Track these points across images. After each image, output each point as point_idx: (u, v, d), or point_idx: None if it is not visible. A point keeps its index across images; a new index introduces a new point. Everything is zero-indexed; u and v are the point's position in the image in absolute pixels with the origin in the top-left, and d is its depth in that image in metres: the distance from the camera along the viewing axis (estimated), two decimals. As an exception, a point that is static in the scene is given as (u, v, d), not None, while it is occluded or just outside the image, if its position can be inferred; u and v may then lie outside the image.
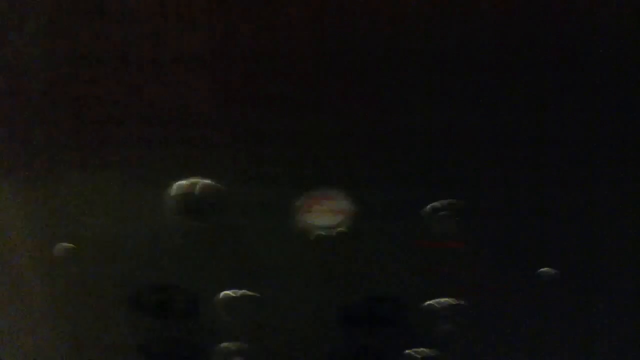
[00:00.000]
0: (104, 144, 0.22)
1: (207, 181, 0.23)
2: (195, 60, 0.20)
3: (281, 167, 0.23)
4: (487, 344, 0.31)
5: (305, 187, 0.24)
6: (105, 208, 0.24)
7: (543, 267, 0.28)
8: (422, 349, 0.33)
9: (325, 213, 0.25)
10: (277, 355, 0.31)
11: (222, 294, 0.28)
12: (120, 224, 0.25)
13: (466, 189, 0.25)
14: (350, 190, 0.24)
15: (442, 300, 0.29)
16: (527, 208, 0.26)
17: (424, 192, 0.25)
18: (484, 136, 0.23)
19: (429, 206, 0.25)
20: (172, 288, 0.28)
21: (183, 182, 0.23)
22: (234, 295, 0.28)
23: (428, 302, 0.29)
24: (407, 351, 0.32)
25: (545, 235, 0.27)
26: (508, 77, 0.21)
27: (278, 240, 0.26)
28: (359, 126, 0.23)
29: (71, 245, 0.25)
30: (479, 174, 0.24)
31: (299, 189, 0.24)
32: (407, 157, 0.24)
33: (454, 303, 0.29)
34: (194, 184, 0.23)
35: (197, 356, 0.32)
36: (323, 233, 0.25)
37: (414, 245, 0.26)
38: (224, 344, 0.31)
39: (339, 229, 0.25)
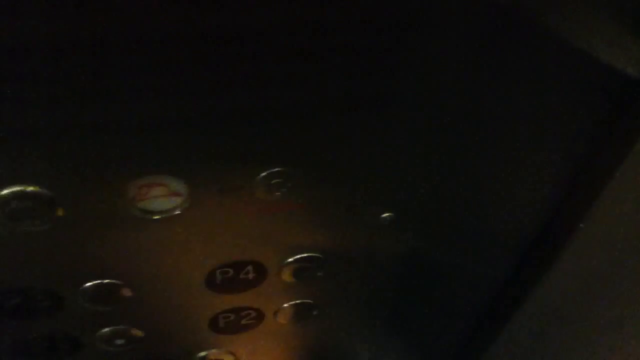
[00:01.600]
0: None
1: (31, 188, 0.23)
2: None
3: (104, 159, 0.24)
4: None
5: (135, 175, 0.25)
6: None
7: (384, 213, 0.30)
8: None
9: (159, 198, 0.26)
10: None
11: (85, 285, 0.29)
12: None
13: (291, 156, 0.26)
14: (180, 173, 0.25)
15: (301, 255, 0.31)
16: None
17: (253, 165, 0.26)
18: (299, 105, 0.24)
19: (259, 176, 0.26)
20: (29, 289, 0.28)
21: (3, 192, 0.23)
22: (97, 283, 0.29)
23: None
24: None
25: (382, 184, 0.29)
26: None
27: (123, 229, 0.27)
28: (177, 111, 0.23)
29: None
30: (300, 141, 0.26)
31: (129, 178, 0.25)
32: (230, 135, 0.24)
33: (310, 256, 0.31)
34: (13, 193, 0.23)
35: (80, 346, 0.33)
36: (160, 217, 0.26)
37: (255, 214, 0.28)
38: (103, 330, 0.32)
39: (176, 212, 0.26)
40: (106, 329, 0.32)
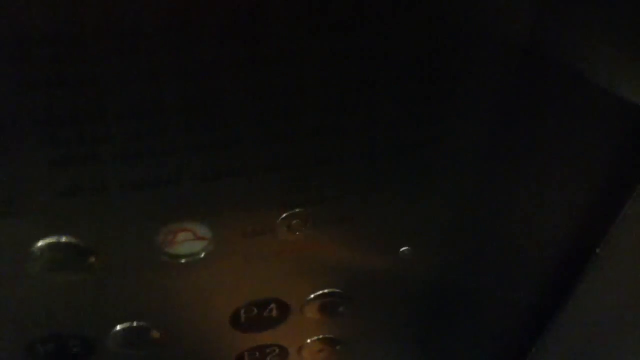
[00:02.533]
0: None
1: (65, 239, 0.25)
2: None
3: (134, 208, 0.25)
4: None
5: (162, 222, 0.26)
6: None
7: (403, 247, 0.31)
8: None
9: (185, 242, 0.27)
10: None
11: (115, 329, 0.30)
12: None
13: (310, 198, 0.27)
14: (205, 218, 0.26)
15: (322, 291, 0.32)
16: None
17: (273, 207, 0.27)
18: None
19: (280, 218, 0.27)
20: (62, 335, 0.29)
21: (39, 243, 0.24)
22: (126, 327, 0.30)
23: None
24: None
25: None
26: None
27: (151, 274, 0.28)
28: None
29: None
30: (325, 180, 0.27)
31: (157, 225, 0.26)
32: (251, 181, 0.26)
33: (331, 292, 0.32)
34: (48, 245, 0.24)
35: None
36: (186, 260, 0.27)
37: (276, 254, 0.29)
38: (133, 373, 0.33)
39: (201, 255, 0.27)
40: (135, 372, 0.33)
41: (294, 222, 0.27)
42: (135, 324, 0.30)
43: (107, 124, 0.22)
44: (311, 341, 0.35)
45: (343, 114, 0.24)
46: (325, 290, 0.32)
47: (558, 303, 0.37)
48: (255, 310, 0.31)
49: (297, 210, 0.27)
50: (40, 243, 0.24)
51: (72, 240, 0.25)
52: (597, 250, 0.34)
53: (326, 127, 0.24)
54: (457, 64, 0.24)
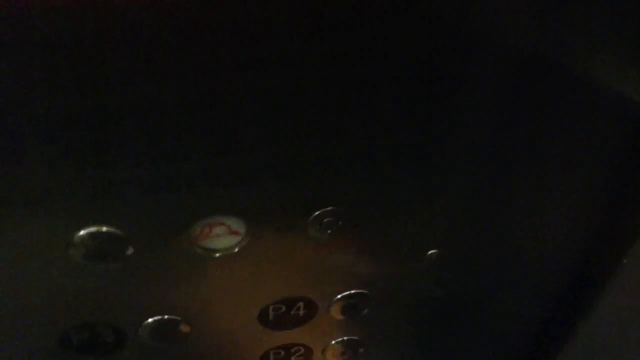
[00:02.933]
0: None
1: (105, 229, 0.25)
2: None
3: (172, 201, 0.26)
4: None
5: (199, 216, 0.27)
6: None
7: (430, 250, 0.32)
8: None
9: (220, 237, 0.27)
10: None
11: (147, 321, 0.31)
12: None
13: (342, 196, 0.27)
14: (240, 213, 0.27)
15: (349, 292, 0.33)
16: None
17: (306, 205, 0.27)
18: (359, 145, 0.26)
19: (313, 215, 0.28)
20: (96, 325, 0.30)
21: (81, 232, 0.25)
22: (158, 319, 0.31)
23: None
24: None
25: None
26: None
27: (185, 267, 0.28)
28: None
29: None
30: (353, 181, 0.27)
31: (193, 218, 0.27)
32: (286, 178, 0.26)
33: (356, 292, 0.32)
34: (90, 234, 0.25)
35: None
36: (220, 255, 0.28)
37: (307, 252, 0.29)
38: (160, 366, 0.34)
39: (234, 250, 0.28)
40: (163, 366, 0.34)
41: (326, 220, 0.28)
42: (166, 317, 0.30)
43: (144, 120, 0.23)
44: (335, 342, 0.36)
45: (372, 116, 0.25)
46: (352, 291, 0.32)
47: (583, 312, 0.37)
48: (284, 308, 0.32)
49: (329, 208, 0.27)
50: (82, 232, 0.25)
51: (113, 230, 0.26)
52: (624, 261, 0.34)
53: (358, 127, 0.25)
54: (471, 67, 0.25)
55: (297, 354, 0.35)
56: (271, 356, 0.35)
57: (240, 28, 0.21)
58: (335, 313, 0.33)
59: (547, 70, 0.26)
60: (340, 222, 0.28)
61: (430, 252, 0.31)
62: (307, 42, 0.22)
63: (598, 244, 0.34)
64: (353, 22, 0.22)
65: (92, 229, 0.25)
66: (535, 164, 0.30)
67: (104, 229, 0.25)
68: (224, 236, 0.27)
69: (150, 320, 0.30)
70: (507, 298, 0.37)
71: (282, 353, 0.35)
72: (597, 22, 0.25)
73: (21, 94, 0.21)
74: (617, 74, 0.27)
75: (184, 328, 0.31)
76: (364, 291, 0.33)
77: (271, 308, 0.32)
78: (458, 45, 0.24)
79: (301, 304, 0.32)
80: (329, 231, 0.28)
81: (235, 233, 0.28)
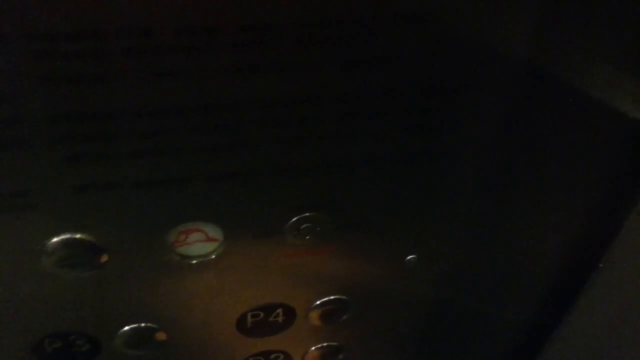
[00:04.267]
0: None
1: (79, 236, 0.25)
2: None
3: (147, 208, 0.25)
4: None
5: (174, 222, 0.26)
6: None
7: (409, 255, 0.32)
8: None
9: (197, 243, 0.27)
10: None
11: (123, 329, 0.30)
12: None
13: (320, 202, 0.27)
14: (217, 219, 0.27)
15: (328, 298, 0.32)
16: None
17: (284, 211, 0.27)
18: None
19: (290, 221, 0.27)
20: (69, 334, 0.29)
21: (53, 239, 0.25)
22: (134, 327, 0.30)
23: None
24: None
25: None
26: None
27: (161, 274, 0.28)
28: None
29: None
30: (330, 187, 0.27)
31: (169, 225, 0.26)
32: (263, 184, 0.26)
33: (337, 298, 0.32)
34: (63, 241, 0.25)
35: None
36: (197, 262, 0.27)
37: (285, 259, 0.29)
38: (137, 375, 0.33)
39: (212, 256, 0.27)
40: (140, 374, 0.33)
41: (304, 226, 0.28)
42: (143, 324, 0.30)
43: (121, 123, 0.22)
44: (315, 349, 0.35)
45: (353, 122, 0.25)
46: (332, 297, 0.32)
47: (560, 314, 0.37)
48: (262, 315, 0.32)
49: (306, 214, 0.27)
50: (54, 239, 0.25)
51: (86, 237, 0.25)
52: (600, 265, 0.35)
53: (336, 134, 0.25)
54: (461, 78, 0.25)
55: (277, 361, 0.35)
56: (250, 363, 0.35)
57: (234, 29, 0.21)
58: (315, 319, 0.33)
59: (545, 80, 0.26)
60: (318, 228, 0.28)
61: (408, 258, 0.31)
62: (298, 47, 0.22)
63: (576, 248, 0.34)
64: (353, 31, 0.22)
65: (65, 236, 0.25)
66: (518, 172, 0.30)
67: (77, 235, 0.25)
68: (200, 243, 0.27)
69: (126, 328, 0.30)
70: (487, 303, 0.37)
71: (262, 360, 0.35)
72: (595, 32, 0.25)
73: None
74: (613, 84, 0.27)
75: (161, 336, 0.31)
76: (343, 297, 0.32)
77: (249, 315, 0.31)
78: (457, 55, 0.24)
79: (280, 311, 0.32)
80: (307, 237, 0.28)
81: (212, 239, 0.27)
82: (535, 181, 0.31)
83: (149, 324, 0.30)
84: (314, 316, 0.33)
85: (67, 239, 0.25)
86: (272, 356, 0.35)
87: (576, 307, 0.36)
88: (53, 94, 0.21)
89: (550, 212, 0.33)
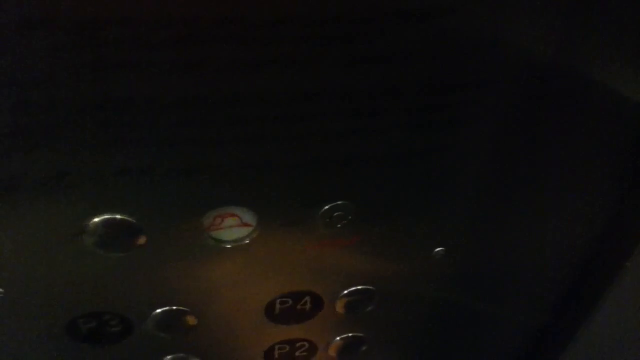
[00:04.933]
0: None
1: (119, 216, 0.26)
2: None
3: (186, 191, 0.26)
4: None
5: (211, 206, 0.27)
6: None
7: (437, 248, 0.32)
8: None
9: (231, 228, 0.28)
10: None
11: (155, 311, 0.31)
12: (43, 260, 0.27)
13: (353, 191, 0.28)
14: (252, 205, 0.27)
15: (355, 288, 0.33)
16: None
17: (318, 198, 0.28)
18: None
19: (323, 209, 0.28)
20: (104, 314, 0.30)
21: (96, 219, 0.26)
22: (166, 310, 0.31)
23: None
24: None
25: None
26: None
27: (195, 257, 0.29)
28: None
29: (1, 290, 0.27)
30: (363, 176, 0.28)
31: (205, 209, 0.27)
32: (299, 171, 0.27)
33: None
34: (103, 221, 0.26)
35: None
36: (230, 246, 0.28)
37: (316, 246, 0.29)
38: (166, 358, 0.34)
39: (245, 241, 0.28)
40: (168, 357, 0.34)
41: (335, 214, 0.28)
42: (174, 307, 0.31)
43: (160, 110, 0.23)
44: (340, 339, 0.36)
45: (383, 114, 0.25)
46: (359, 287, 0.33)
47: (585, 314, 0.37)
48: (290, 302, 0.32)
49: (339, 202, 0.28)
50: (95, 219, 0.26)
51: (126, 217, 0.26)
52: (627, 264, 0.35)
53: (367, 126, 0.26)
54: (483, 70, 0.25)
55: (302, 350, 0.36)
56: (276, 351, 0.35)
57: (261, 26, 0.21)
58: (341, 308, 0.34)
59: (555, 76, 0.26)
60: (349, 217, 0.28)
61: (436, 250, 0.32)
62: (318, 44, 0.22)
63: (602, 245, 0.35)
64: (367, 28, 0.22)
65: (106, 216, 0.26)
66: (542, 168, 0.30)
67: (118, 216, 0.26)
68: (235, 227, 0.28)
69: (158, 310, 0.31)
70: (511, 299, 0.37)
71: (287, 348, 0.35)
72: (604, 29, 0.25)
73: (42, 77, 0.21)
74: (624, 79, 0.27)
75: (191, 320, 0.32)
76: (370, 287, 0.33)
77: (278, 302, 0.32)
78: (466, 51, 0.24)
79: (308, 299, 0.32)
80: (338, 225, 0.29)
81: (246, 224, 0.28)
82: (561, 176, 0.31)
83: (180, 307, 0.31)
84: (341, 305, 0.33)
85: (107, 219, 0.26)
86: (298, 344, 0.35)
87: (601, 307, 0.36)
88: (97, 79, 0.22)
89: (575, 209, 0.33)
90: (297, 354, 0.36)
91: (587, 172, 0.31)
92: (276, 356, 0.35)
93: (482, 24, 0.23)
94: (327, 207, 0.28)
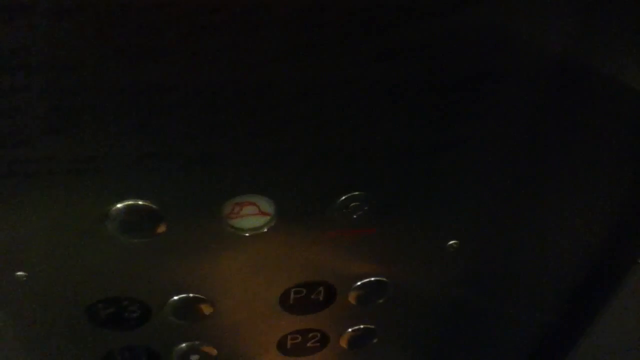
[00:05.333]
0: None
1: (142, 202, 0.26)
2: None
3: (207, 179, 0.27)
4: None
5: (230, 194, 0.27)
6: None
7: (451, 241, 0.32)
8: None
9: (250, 216, 0.28)
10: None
11: (172, 298, 0.31)
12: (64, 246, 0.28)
13: (370, 181, 0.28)
14: (270, 193, 0.28)
15: (368, 279, 0.33)
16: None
17: (335, 187, 0.28)
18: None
19: (340, 199, 0.28)
20: (123, 300, 0.31)
21: (119, 205, 0.26)
22: (183, 297, 0.31)
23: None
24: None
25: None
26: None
27: (214, 245, 0.29)
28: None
29: (25, 273, 0.28)
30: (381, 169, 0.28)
31: (225, 197, 0.27)
32: (318, 161, 0.27)
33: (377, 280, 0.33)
34: (127, 207, 0.26)
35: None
36: (249, 234, 0.29)
37: (332, 236, 0.30)
38: (181, 345, 0.35)
39: (263, 230, 0.29)
40: (183, 345, 0.35)
41: (352, 204, 0.29)
42: (191, 295, 0.31)
43: (183, 95, 0.23)
44: (352, 330, 0.36)
45: (400, 106, 0.26)
46: (372, 279, 0.33)
47: (593, 313, 0.37)
48: (304, 292, 0.33)
49: (356, 193, 0.28)
50: (119, 205, 0.26)
51: (148, 204, 0.26)
52: (639, 261, 0.35)
53: (385, 117, 0.26)
54: (502, 66, 0.26)
55: (314, 340, 0.36)
56: (288, 340, 0.36)
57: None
58: (354, 300, 0.34)
59: (576, 75, 0.27)
60: (366, 207, 0.29)
61: (450, 243, 0.32)
62: (343, 40, 0.23)
63: (613, 244, 0.35)
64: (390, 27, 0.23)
65: (129, 202, 0.26)
66: (557, 165, 0.31)
67: (140, 202, 0.26)
68: (253, 216, 0.28)
69: (175, 297, 0.31)
70: (521, 297, 0.38)
71: (300, 338, 0.36)
72: (630, 26, 0.25)
73: (71, 62, 0.22)
74: None
75: (207, 308, 0.32)
76: (383, 279, 0.33)
77: (293, 291, 0.32)
78: (485, 45, 0.25)
79: (322, 289, 0.33)
80: (354, 216, 0.29)
81: (264, 213, 0.28)
82: (576, 174, 0.31)
83: (197, 295, 0.31)
84: (353, 297, 0.34)
85: (130, 205, 0.26)
86: (310, 335, 0.36)
87: (611, 304, 0.36)
88: (123, 65, 0.22)
89: (588, 207, 0.33)
90: (309, 344, 0.36)
91: (602, 170, 0.32)
92: (289, 346, 0.36)
93: (504, 17, 0.24)
94: (344, 197, 0.28)
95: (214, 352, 0.35)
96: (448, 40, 0.24)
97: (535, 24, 0.24)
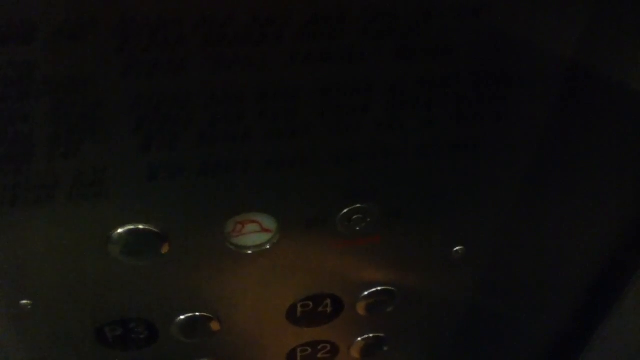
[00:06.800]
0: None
1: (142, 226, 0.26)
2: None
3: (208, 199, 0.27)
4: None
5: (232, 213, 0.27)
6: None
7: (456, 247, 0.32)
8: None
9: (252, 234, 0.28)
10: None
11: (179, 318, 0.31)
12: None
13: (371, 193, 0.28)
14: (272, 210, 0.28)
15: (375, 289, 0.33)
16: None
17: (337, 201, 0.28)
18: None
19: (342, 212, 0.28)
20: (130, 321, 0.31)
21: (120, 230, 0.26)
22: (190, 316, 0.31)
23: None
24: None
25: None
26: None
27: (217, 264, 0.29)
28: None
29: (29, 301, 0.28)
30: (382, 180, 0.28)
31: (227, 215, 0.27)
32: (318, 175, 0.27)
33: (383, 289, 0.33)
34: (128, 231, 0.26)
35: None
36: (252, 252, 0.28)
37: (336, 249, 0.30)
38: (191, 363, 0.35)
39: (266, 247, 0.28)
40: (193, 362, 0.35)
41: (354, 217, 0.28)
42: (198, 314, 0.31)
43: (188, 111, 0.23)
44: (361, 339, 0.36)
45: (404, 113, 0.25)
46: (379, 288, 0.33)
47: (602, 317, 0.37)
48: (311, 305, 0.32)
49: (357, 205, 0.28)
50: (120, 229, 0.26)
51: (150, 227, 0.26)
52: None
53: (387, 125, 0.26)
54: (510, 70, 0.25)
55: (324, 351, 0.36)
56: (298, 353, 0.36)
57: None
58: (362, 310, 0.34)
59: (589, 79, 0.26)
60: (368, 219, 0.29)
61: (456, 249, 0.32)
62: (355, 36, 0.22)
63: (622, 249, 0.34)
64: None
65: (131, 226, 0.26)
66: (566, 170, 0.30)
67: (141, 226, 0.26)
68: (255, 233, 0.28)
69: (182, 317, 0.31)
70: (529, 302, 0.37)
71: (309, 350, 0.36)
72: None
73: (75, 82, 0.21)
74: None
75: (215, 325, 0.32)
76: (390, 288, 0.33)
77: (299, 305, 0.32)
78: (508, 49, 0.24)
79: (328, 301, 0.33)
80: (357, 228, 0.29)
81: (266, 230, 0.28)
82: (582, 178, 0.31)
83: (204, 314, 0.31)
84: (361, 307, 0.34)
85: (132, 229, 0.26)
86: (320, 346, 0.36)
87: (621, 306, 0.36)
88: (129, 82, 0.22)
89: (596, 210, 0.33)
90: (319, 355, 0.36)
91: (612, 174, 0.31)
92: (299, 358, 0.36)
93: (531, 20, 0.24)
94: (345, 210, 0.28)
95: (224, 368, 0.35)
96: (464, 43, 0.23)
97: (548, 26, 0.24)
